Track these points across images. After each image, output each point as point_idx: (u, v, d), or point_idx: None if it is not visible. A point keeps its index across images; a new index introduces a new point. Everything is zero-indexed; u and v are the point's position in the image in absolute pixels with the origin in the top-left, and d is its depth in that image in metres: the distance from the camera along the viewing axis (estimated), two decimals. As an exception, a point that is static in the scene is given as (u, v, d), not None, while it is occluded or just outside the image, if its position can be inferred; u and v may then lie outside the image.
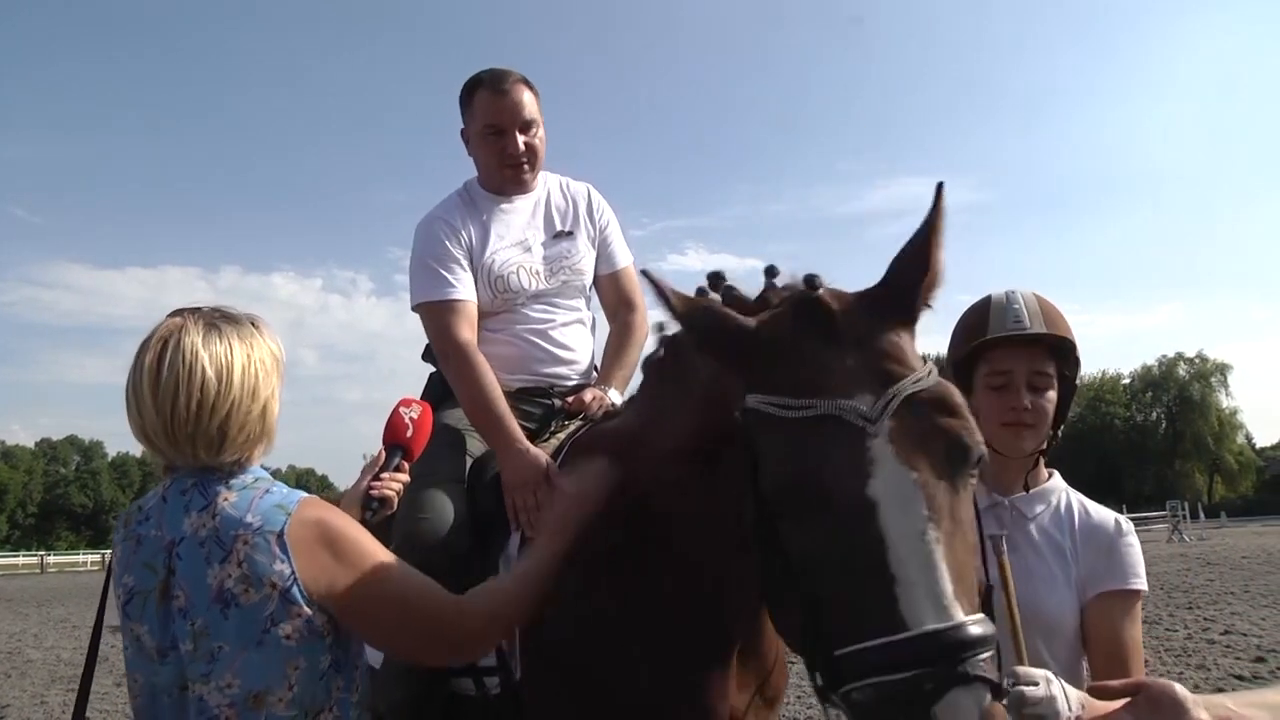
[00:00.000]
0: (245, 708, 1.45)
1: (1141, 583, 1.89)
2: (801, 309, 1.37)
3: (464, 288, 2.38)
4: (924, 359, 1.36)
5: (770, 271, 1.57)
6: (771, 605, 1.40)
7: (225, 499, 1.50)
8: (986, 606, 1.26)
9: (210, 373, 1.49)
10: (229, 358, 1.52)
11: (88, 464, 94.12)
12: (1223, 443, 67.98)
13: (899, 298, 1.38)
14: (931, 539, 1.17)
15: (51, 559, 56.55)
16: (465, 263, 2.41)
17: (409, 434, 1.94)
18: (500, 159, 2.46)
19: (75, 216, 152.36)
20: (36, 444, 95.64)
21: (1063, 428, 2.04)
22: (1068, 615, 1.88)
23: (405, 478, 1.95)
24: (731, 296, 1.56)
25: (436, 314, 2.34)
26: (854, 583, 1.18)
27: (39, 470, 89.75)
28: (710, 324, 1.43)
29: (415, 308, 2.39)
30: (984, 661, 1.12)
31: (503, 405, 2.18)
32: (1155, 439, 71.25)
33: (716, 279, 1.61)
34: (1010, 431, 1.94)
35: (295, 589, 1.47)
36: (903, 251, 1.39)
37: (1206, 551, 22.82)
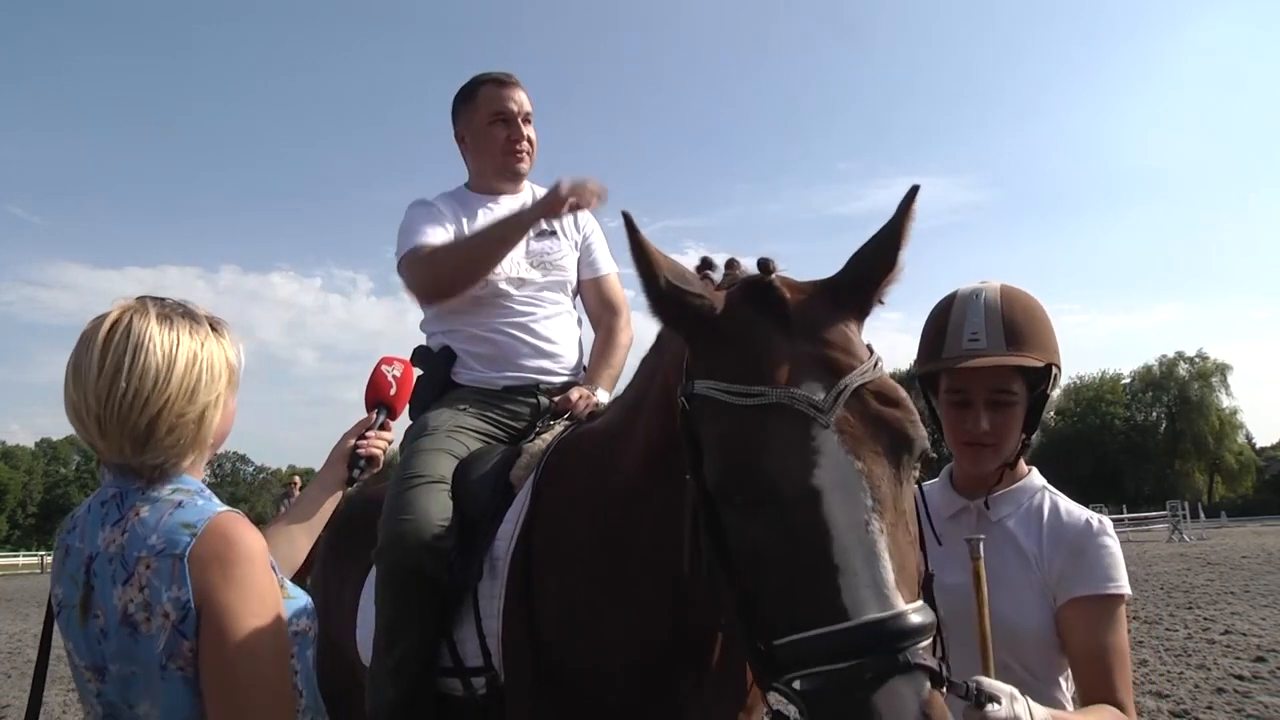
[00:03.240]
0: None
1: (1118, 586, 1.73)
2: (754, 293, 1.34)
3: (437, 237, 2.40)
4: (869, 350, 1.34)
5: (731, 264, 1.55)
6: (715, 598, 1.35)
7: (137, 513, 1.40)
8: (928, 595, 1.25)
9: (153, 362, 1.39)
10: (173, 351, 1.41)
11: (88, 464, 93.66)
12: (1223, 443, 67.78)
13: (856, 290, 1.38)
14: (875, 529, 1.17)
15: (51, 559, 56.38)
16: (445, 224, 2.45)
17: (392, 391, 1.94)
18: (506, 145, 2.53)
19: (74, 216, 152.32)
20: (36, 444, 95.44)
21: (1037, 434, 1.89)
22: (1031, 622, 1.76)
23: (391, 435, 1.94)
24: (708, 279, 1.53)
25: (410, 262, 2.38)
26: (796, 573, 1.16)
27: (39, 470, 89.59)
28: (675, 291, 1.34)
29: (399, 271, 2.43)
30: (923, 650, 1.12)
31: (489, 227, 2.32)
32: (1155, 439, 71.11)
33: (708, 264, 1.55)
34: (970, 451, 1.86)
35: (189, 621, 1.32)
36: (867, 246, 1.39)
37: (1206, 551, 22.76)
